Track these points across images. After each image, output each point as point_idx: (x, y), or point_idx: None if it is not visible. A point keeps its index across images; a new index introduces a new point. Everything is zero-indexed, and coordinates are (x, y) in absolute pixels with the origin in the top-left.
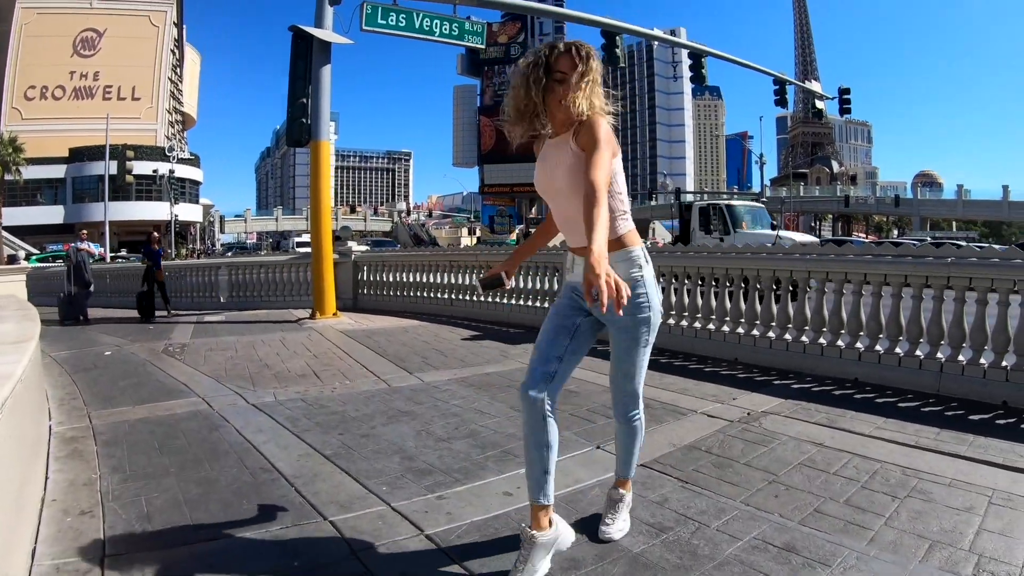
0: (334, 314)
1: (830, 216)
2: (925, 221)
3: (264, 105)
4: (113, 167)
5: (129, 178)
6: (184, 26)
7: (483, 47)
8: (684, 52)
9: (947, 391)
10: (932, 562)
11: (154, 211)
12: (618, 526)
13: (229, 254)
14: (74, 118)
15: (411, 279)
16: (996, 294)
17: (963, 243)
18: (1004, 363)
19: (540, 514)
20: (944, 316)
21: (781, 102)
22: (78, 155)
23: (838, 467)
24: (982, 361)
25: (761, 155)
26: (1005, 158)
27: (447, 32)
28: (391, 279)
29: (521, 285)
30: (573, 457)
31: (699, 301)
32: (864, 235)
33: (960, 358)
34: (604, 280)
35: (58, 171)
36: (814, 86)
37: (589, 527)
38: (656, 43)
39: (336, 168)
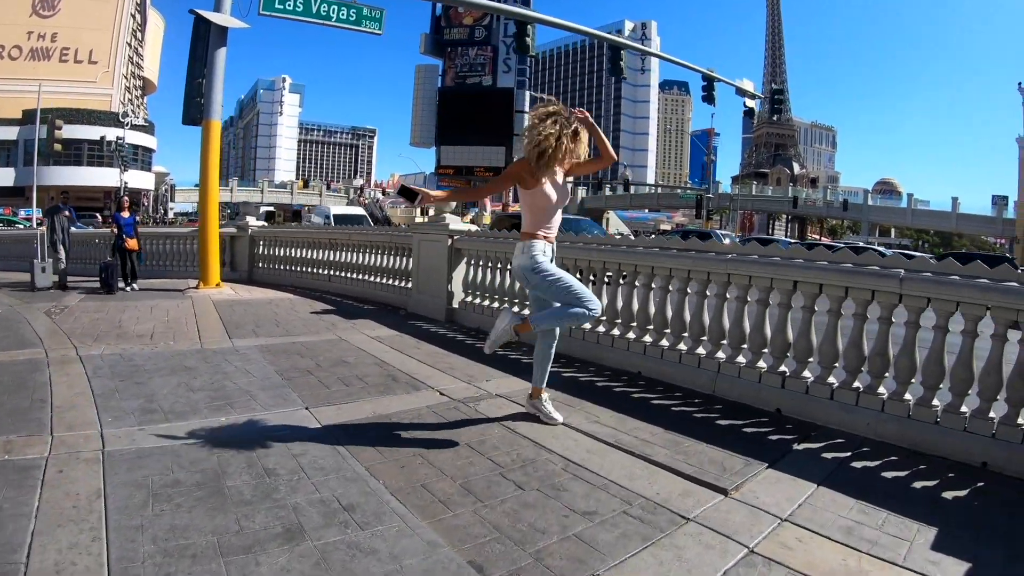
0: (216, 285)
1: (784, 217)
2: (874, 227)
3: (229, 74)
4: (46, 131)
5: (57, 146)
6: None
7: (380, 33)
8: (653, 45)
9: (722, 392)
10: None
11: (103, 177)
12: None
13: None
14: (30, 79)
15: (300, 255)
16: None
17: (880, 248)
18: (782, 368)
19: (536, 390)
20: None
21: (708, 99)
22: (31, 117)
23: (502, 451)
24: (760, 364)
25: (710, 152)
26: (970, 172)
27: (344, 17)
28: (283, 254)
29: (386, 264)
30: (281, 412)
31: (507, 284)
32: (818, 237)
33: (739, 360)
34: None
35: (11, 132)
36: (746, 84)
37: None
38: (627, 34)
39: (299, 142)
